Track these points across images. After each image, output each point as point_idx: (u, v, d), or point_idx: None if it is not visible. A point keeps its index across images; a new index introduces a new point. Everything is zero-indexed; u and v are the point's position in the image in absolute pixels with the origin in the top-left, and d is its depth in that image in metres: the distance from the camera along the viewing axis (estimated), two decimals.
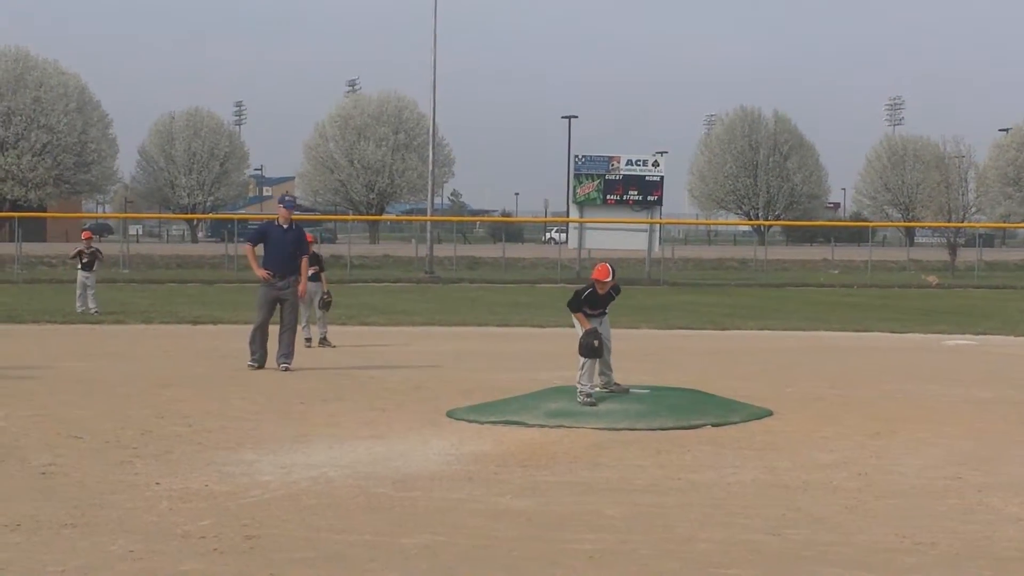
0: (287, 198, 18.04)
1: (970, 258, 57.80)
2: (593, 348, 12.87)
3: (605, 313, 13.42)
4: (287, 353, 16.81)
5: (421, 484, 9.40)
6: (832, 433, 11.94)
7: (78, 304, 27.67)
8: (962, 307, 33.89)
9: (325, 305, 20.39)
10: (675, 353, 20.31)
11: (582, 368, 12.94)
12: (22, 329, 24.16)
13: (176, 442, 11.14)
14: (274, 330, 16.89)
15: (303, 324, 20.44)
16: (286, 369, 16.60)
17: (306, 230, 18.56)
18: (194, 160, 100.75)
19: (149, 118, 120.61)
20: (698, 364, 18.42)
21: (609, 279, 13.17)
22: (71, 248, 29.40)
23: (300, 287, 16.94)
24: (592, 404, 12.72)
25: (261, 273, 16.86)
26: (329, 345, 20.22)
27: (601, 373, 13.22)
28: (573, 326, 13.47)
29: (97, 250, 28.85)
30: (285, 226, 17.07)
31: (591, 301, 13.23)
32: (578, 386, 12.92)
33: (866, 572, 7.22)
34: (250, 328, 17.09)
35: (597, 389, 13.04)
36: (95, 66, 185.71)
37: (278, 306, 16.94)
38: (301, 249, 17.05)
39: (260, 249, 17.10)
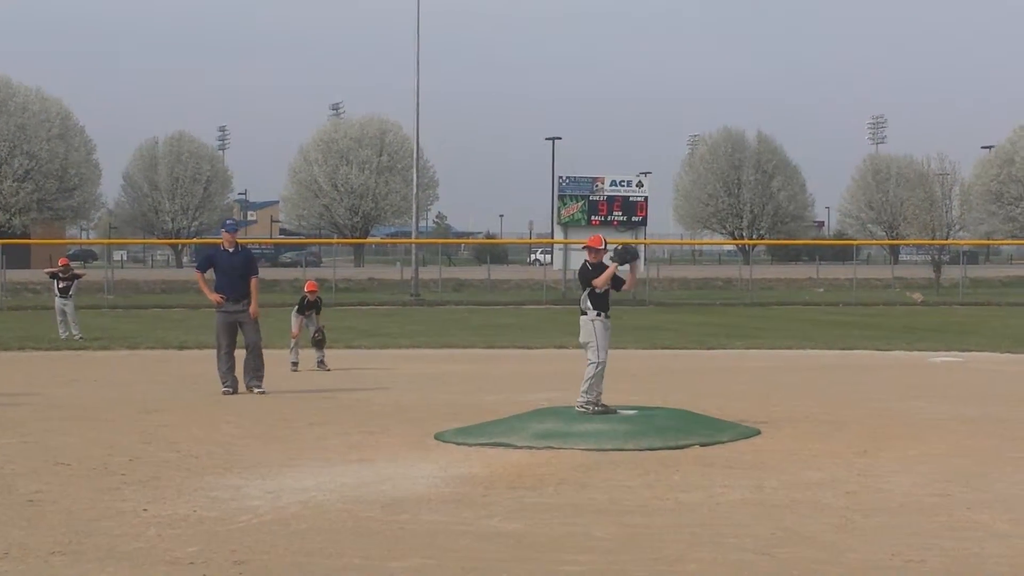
0: (228, 222, 18.13)
1: (954, 275, 57.92)
2: (624, 251, 13.32)
3: (608, 316, 13.40)
4: (258, 376, 16.83)
5: (409, 507, 9.39)
6: (820, 451, 11.95)
7: (61, 331, 27.61)
8: (947, 324, 33.97)
9: (317, 344, 20.50)
10: (662, 373, 20.33)
11: (591, 376, 13.03)
12: (7, 356, 24.10)
13: (163, 468, 11.11)
14: (241, 355, 16.95)
15: (291, 347, 20.50)
16: (260, 392, 16.61)
17: (313, 280, 18.53)
18: (177, 185, 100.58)
19: (132, 144, 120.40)
20: (685, 384, 18.43)
21: (601, 247, 13.36)
22: (51, 270, 29.41)
23: (251, 307, 16.93)
24: (599, 412, 12.86)
25: (214, 297, 16.99)
26: (325, 369, 20.26)
27: (596, 390, 13.22)
28: (585, 312, 13.35)
29: (74, 273, 28.75)
30: (231, 250, 17.16)
31: (595, 273, 13.29)
32: (582, 396, 13.01)
33: None
34: (215, 357, 17.14)
35: (591, 408, 13.06)
36: (78, 92, 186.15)
37: (239, 330, 16.99)
38: (250, 270, 17.08)
39: (212, 275, 17.29)
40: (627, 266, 13.69)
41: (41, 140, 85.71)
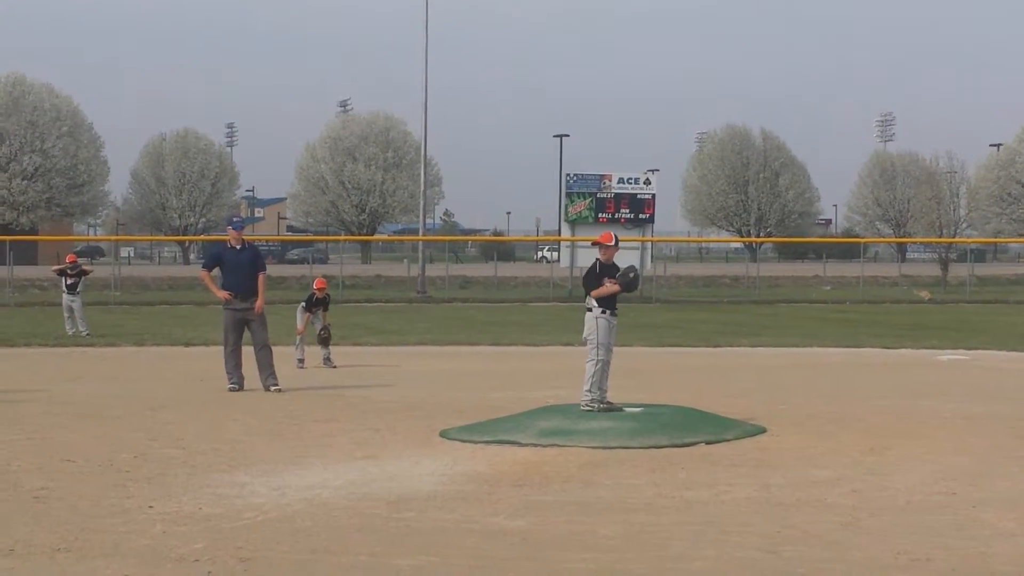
0: (235, 220, 18.20)
1: (962, 273, 57.86)
2: (630, 280, 13.25)
3: (614, 315, 13.44)
4: (271, 373, 16.84)
5: (415, 505, 9.39)
6: (826, 450, 11.94)
7: (68, 327, 27.64)
8: (954, 322, 33.92)
9: (323, 341, 20.53)
10: (668, 371, 20.31)
11: (591, 375, 13.08)
12: (14, 352, 24.13)
13: (169, 465, 11.12)
14: (249, 351, 16.96)
15: (296, 344, 20.52)
16: (278, 391, 16.61)
17: (322, 277, 18.55)
18: (185, 182, 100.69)
19: (140, 141, 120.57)
20: (691, 382, 18.42)
21: (612, 243, 13.41)
22: (59, 267, 29.52)
23: (257, 303, 16.95)
24: (604, 409, 12.91)
25: (222, 295, 17.01)
26: (331, 366, 20.28)
27: (599, 387, 13.24)
28: (591, 309, 13.39)
29: (82, 269, 28.80)
30: (238, 247, 17.20)
31: (606, 273, 13.35)
32: (585, 394, 13.07)
33: None
34: (223, 353, 17.19)
35: (596, 405, 13.10)
36: (86, 89, 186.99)
37: (247, 328, 17.04)
38: (257, 267, 17.11)
39: (217, 273, 17.38)
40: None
41: (52, 137, 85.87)
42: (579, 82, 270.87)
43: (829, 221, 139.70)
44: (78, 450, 11.93)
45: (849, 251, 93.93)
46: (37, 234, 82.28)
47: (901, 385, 18.11)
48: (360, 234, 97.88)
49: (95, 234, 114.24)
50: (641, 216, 50.36)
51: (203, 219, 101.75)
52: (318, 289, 21.02)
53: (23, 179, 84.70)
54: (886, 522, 8.83)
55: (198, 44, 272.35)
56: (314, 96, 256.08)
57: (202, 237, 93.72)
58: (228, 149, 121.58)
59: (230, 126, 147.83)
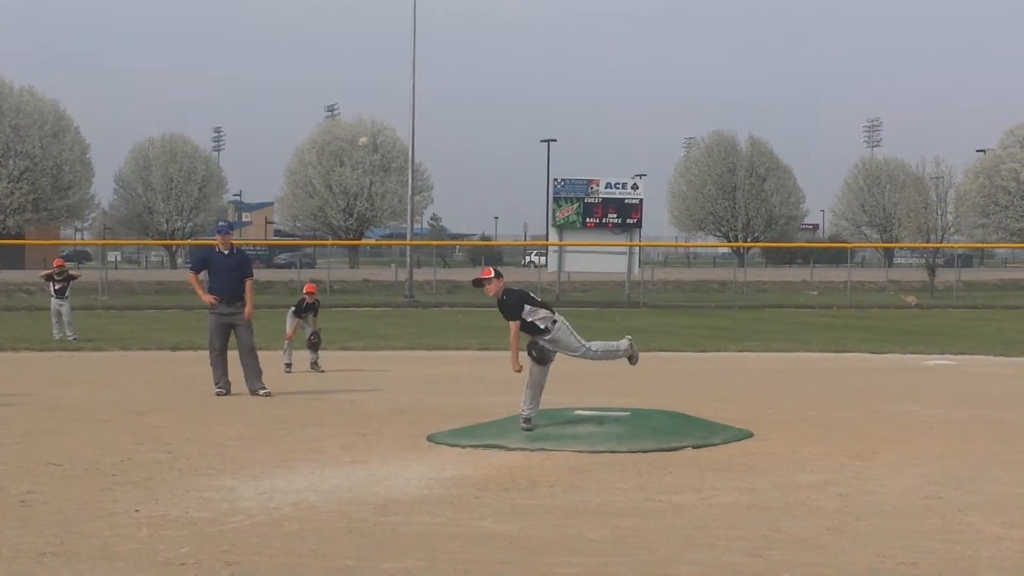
0: (222, 224, 18.17)
1: (948, 278, 57.97)
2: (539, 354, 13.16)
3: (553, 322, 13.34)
4: (258, 377, 16.79)
5: (402, 509, 9.38)
6: (813, 454, 11.95)
7: (55, 332, 27.58)
8: (941, 327, 33.98)
9: (313, 346, 20.52)
10: (655, 375, 20.30)
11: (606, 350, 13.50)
12: (0, 357, 24.04)
13: (156, 469, 11.10)
14: (235, 356, 16.94)
15: (284, 348, 20.50)
16: (266, 394, 16.58)
17: (310, 281, 18.55)
18: (171, 186, 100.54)
19: (126, 145, 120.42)
20: (678, 386, 18.43)
21: (491, 276, 13.69)
22: (46, 272, 29.48)
23: (247, 309, 16.92)
24: (529, 429, 12.66)
25: (207, 299, 16.97)
26: (319, 370, 20.25)
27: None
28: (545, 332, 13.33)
29: (69, 274, 28.78)
30: (226, 251, 17.18)
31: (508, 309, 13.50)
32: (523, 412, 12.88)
33: None
34: (208, 358, 17.17)
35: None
36: (71, 93, 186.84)
37: (232, 332, 17.01)
38: (245, 272, 17.09)
39: (204, 275, 17.34)
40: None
41: (35, 139, 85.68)
42: (566, 87, 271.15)
43: (816, 226, 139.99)
44: (64, 454, 11.90)
45: (836, 256, 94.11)
46: (24, 238, 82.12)
47: (888, 390, 18.13)
48: (348, 238, 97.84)
49: (82, 238, 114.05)
50: (628, 221, 50.38)
51: (190, 223, 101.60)
52: (307, 294, 21.01)
53: (8, 182, 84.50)
54: (873, 526, 8.84)
55: (185, 48, 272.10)
56: (302, 100, 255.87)
57: (189, 241, 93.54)
58: (215, 153, 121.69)
59: (217, 130, 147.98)
